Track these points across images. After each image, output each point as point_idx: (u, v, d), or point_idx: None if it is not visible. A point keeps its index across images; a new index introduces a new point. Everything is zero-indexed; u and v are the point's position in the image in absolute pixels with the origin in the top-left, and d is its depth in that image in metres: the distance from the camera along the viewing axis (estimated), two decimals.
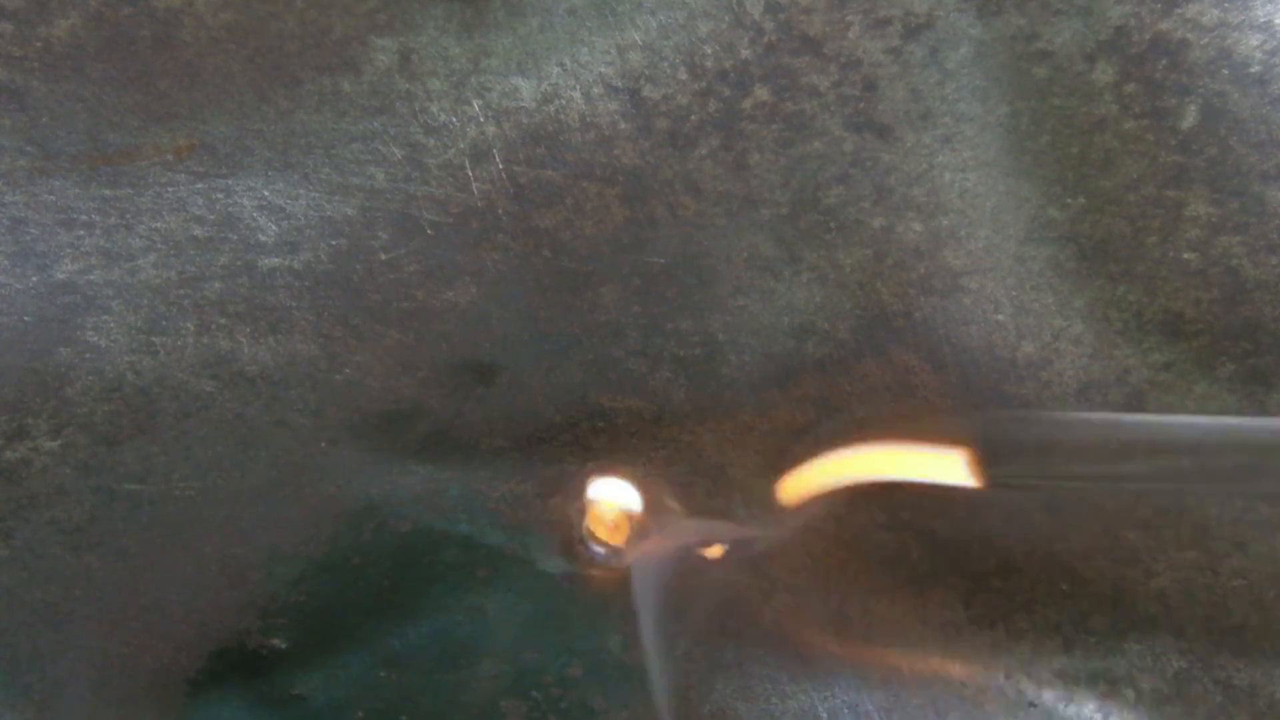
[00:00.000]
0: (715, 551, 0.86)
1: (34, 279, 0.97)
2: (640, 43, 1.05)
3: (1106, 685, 0.80)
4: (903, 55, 1.03)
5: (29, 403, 0.92)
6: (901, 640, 0.82)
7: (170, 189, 1.02)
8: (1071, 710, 0.79)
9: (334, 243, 1.01)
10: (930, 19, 1.03)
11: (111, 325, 0.96)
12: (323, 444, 0.92)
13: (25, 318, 0.96)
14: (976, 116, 1.03)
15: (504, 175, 1.03)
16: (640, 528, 0.86)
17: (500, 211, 1.02)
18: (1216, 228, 0.97)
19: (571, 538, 0.86)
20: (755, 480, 0.91)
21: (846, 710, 0.78)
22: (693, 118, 1.04)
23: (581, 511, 0.87)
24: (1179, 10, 1.00)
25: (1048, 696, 0.80)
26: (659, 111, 1.04)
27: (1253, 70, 0.98)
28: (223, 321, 0.97)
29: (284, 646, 0.80)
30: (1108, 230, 0.99)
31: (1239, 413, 0.93)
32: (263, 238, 1.00)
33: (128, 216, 1.00)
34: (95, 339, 0.95)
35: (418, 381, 0.95)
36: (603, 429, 0.93)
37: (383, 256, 1.01)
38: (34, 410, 0.91)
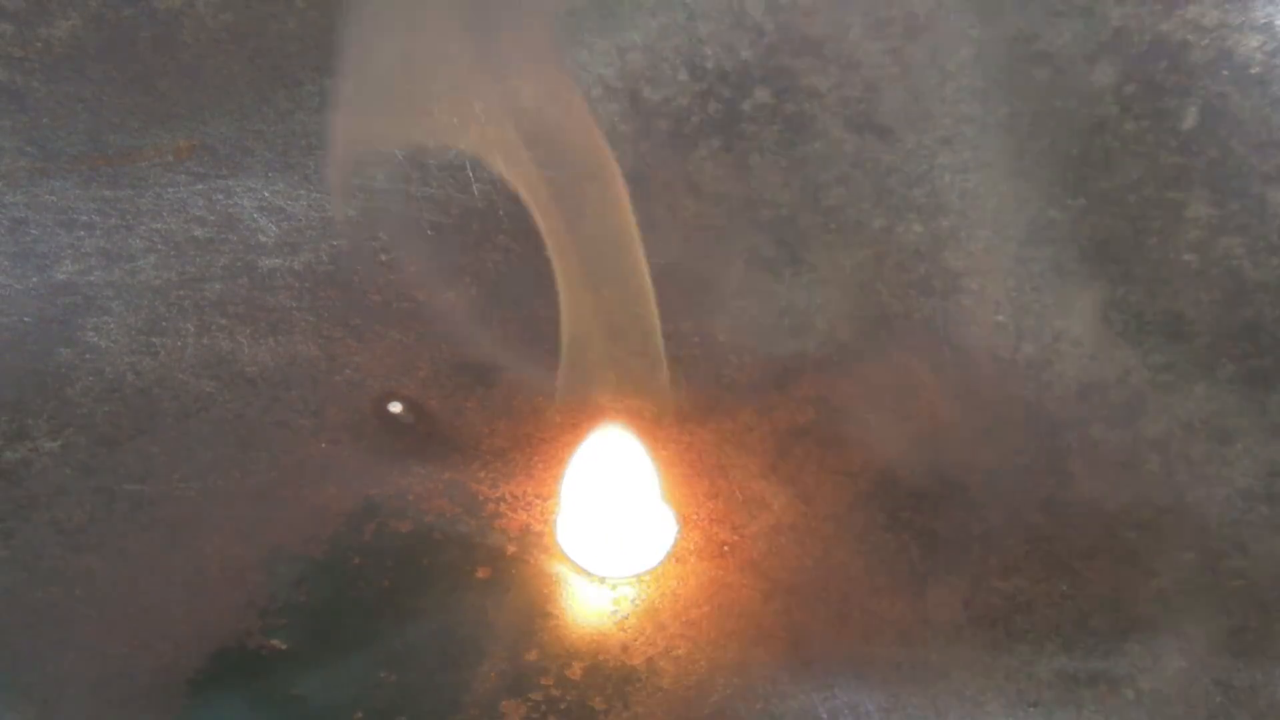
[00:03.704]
0: None
1: (34, 280, 0.97)
2: (640, 44, 1.05)
3: (1106, 685, 0.80)
4: (903, 56, 1.03)
5: (29, 403, 0.92)
6: (901, 640, 0.82)
7: (171, 190, 1.02)
8: (1071, 710, 0.79)
9: (334, 243, 1.01)
10: (930, 20, 1.03)
11: (112, 326, 0.96)
12: (323, 444, 0.92)
13: (26, 318, 0.96)
14: (977, 118, 1.03)
15: (504, 176, 1.03)
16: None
17: (500, 212, 1.02)
18: (1217, 229, 0.97)
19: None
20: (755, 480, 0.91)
21: (846, 710, 0.78)
22: (693, 119, 1.04)
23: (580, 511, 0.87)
24: (1179, 12, 1.00)
25: (1048, 696, 0.80)
26: (659, 113, 1.04)
27: (1253, 71, 0.98)
28: (223, 322, 0.97)
29: (284, 646, 0.80)
30: (1108, 231, 0.99)
31: (1239, 413, 0.93)
32: (263, 238, 1.01)
33: (128, 217, 1.00)
34: (96, 340, 0.95)
35: (418, 382, 0.96)
36: (603, 429, 0.93)
37: (383, 257, 1.01)
38: (34, 411, 0.91)
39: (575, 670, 0.79)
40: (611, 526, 0.86)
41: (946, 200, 1.01)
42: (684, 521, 0.89)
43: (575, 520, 0.87)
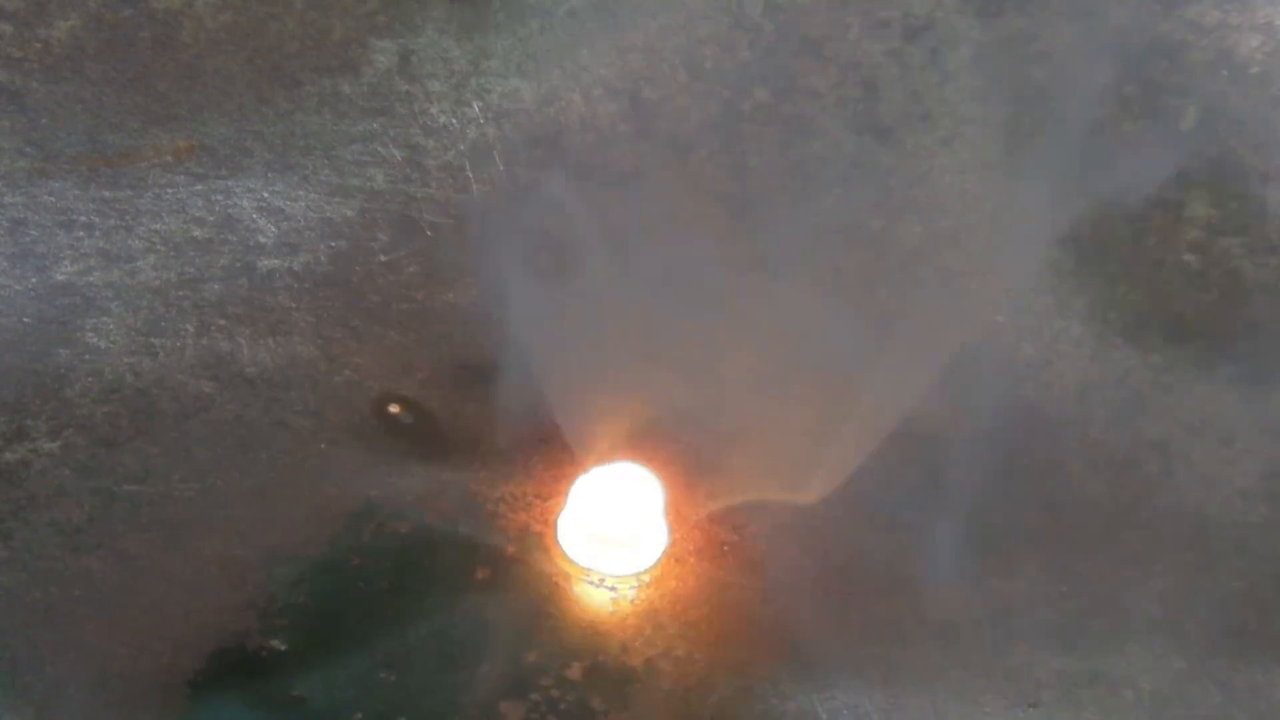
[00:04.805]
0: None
1: (34, 280, 0.97)
2: (640, 44, 1.05)
3: (1106, 685, 0.80)
4: (903, 57, 1.03)
5: (28, 404, 0.92)
6: (901, 640, 0.82)
7: (170, 190, 1.02)
8: (1071, 711, 0.79)
9: (333, 244, 1.01)
10: (930, 21, 1.03)
11: (111, 326, 0.96)
12: (322, 445, 0.92)
13: (25, 319, 0.96)
14: (976, 118, 1.03)
15: (504, 177, 1.03)
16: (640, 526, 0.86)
17: (500, 213, 1.02)
18: (1216, 229, 0.97)
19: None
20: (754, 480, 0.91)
21: (846, 710, 0.78)
22: (693, 120, 1.04)
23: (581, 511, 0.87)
24: (1179, 12, 1.00)
25: (1047, 697, 0.79)
26: (659, 113, 1.04)
27: (1252, 71, 0.98)
28: (222, 323, 0.97)
29: (283, 647, 0.80)
30: (1108, 231, 0.99)
31: (1239, 413, 0.93)
32: (262, 239, 1.00)
33: (127, 218, 1.00)
34: (95, 340, 0.95)
35: (418, 382, 0.95)
36: (602, 429, 0.93)
37: (382, 258, 1.01)
38: (33, 411, 0.91)
39: (575, 671, 0.79)
40: (611, 527, 0.86)
41: (946, 201, 1.01)
42: (684, 522, 0.89)
43: (575, 521, 0.87)
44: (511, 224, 1.02)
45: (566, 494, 0.87)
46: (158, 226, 1.00)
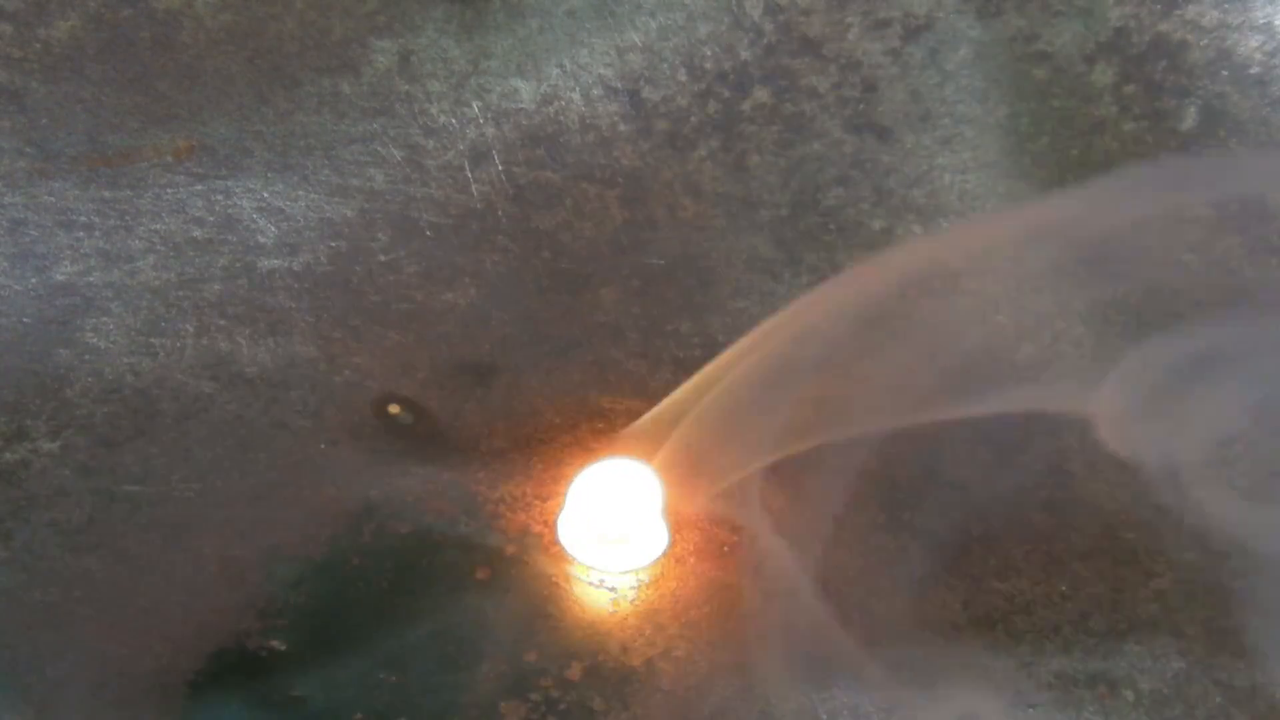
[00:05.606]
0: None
1: (33, 280, 0.97)
2: (639, 44, 1.05)
3: (1106, 686, 0.80)
4: (902, 57, 1.03)
5: (28, 404, 0.92)
6: (901, 640, 0.82)
7: (170, 190, 1.02)
8: (1070, 712, 0.79)
9: (333, 244, 1.01)
10: (930, 20, 1.03)
11: (111, 327, 0.96)
12: (322, 445, 0.92)
13: (25, 319, 0.96)
14: (976, 118, 1.03)
15: (503, 177, 1.03)
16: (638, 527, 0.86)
17: (500, 213, 1.02)
18: (1217, 229, 0.97)
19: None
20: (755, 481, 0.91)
21: (846, 711, 0.78)
22: (692, 119, 1.04)
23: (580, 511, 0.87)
24: (1179, 12, 1.00)
25: (1047, 698, 0.79)
26: (658, 113, 1.04)
27: (1252, 72, 0.98)
28: (222, 323, 0.97)
29: (283, 648, 0.80)
30: (1108, 231, 0.99)
31: (1239, 413, 0.93)
32: (262, 239, 1.01)
33: (127, 218, 1.00)
34: (95, 340, 0.95)
35: (418, 382, 0.95)
36: (603, 429, 0.93)
37: (382, 258, 1.01)
38: (33, 412, 0.91)
39: (574, 671, 0.79)
40: (611, 527, 0.86)
41: (946, 200, 1.01)
42: (684, 522, 0.88)
43: (576, 520, 0.87)
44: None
45: (566, 494, 0.87)
46: (158, 226, 1.00)
